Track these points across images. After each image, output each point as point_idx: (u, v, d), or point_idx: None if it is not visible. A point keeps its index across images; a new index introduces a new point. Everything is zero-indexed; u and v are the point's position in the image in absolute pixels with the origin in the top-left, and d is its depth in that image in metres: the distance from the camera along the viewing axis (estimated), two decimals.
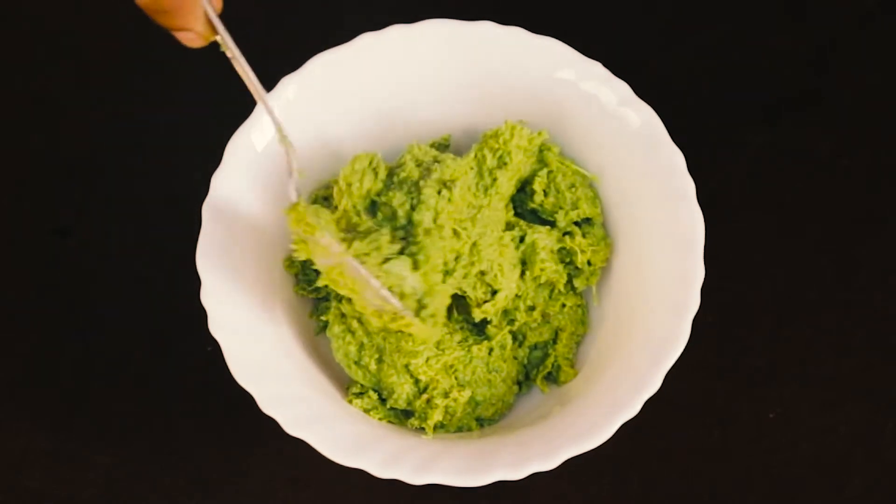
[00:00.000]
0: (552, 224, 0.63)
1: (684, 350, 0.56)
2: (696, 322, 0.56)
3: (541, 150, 0.63)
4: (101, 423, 0.67)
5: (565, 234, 0.63)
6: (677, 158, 0.59)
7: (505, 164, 0.61)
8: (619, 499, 0.65)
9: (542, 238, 0.62)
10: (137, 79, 0.74)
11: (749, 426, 0.66)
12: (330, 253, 0.56)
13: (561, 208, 0.63)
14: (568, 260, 0.63)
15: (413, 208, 0.57)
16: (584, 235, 0.63)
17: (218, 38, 0.51)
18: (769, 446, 0.66)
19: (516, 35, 0.62)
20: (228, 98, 0.62)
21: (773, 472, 0.65)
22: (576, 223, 0.63)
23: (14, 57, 0.74)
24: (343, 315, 0.60)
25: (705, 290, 0.57)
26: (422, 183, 0.58)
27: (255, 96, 0.54)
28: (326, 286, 0.63)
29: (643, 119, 0.60)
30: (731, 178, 0.71)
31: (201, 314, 0.57)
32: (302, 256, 0.57)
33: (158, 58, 0.73)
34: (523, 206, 0.64)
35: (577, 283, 0.63)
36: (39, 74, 0.74)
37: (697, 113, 0.72)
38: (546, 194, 0.63)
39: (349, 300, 0.60)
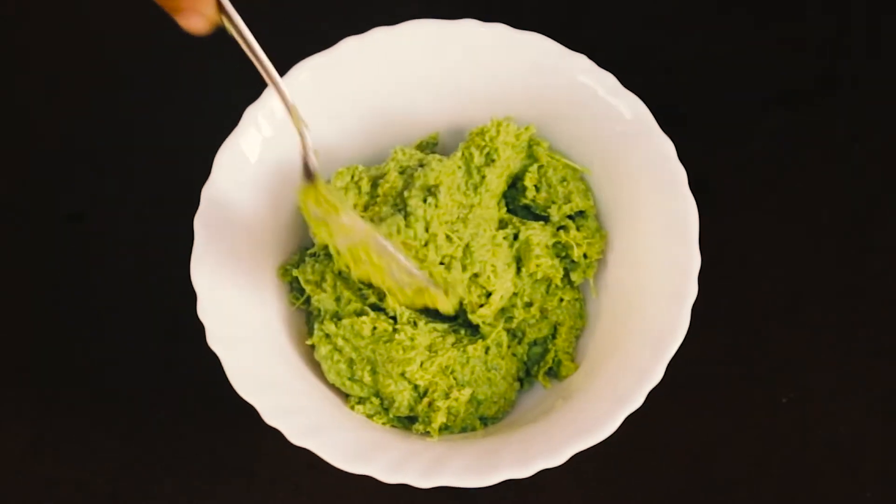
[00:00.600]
0: (546, 219, 0.63)
1: (685, 343, 0.55)
2: (698, 316, 0.56)
3: (530, 146, 0.63)
4: (101, 422, 0.66)
5: (559, 228, 0.63)
6: (667, 146, 0.59)
7: (493, 161, 0.61)
8: (620, 498, 0.65)
9: (536, 234, 0.62)
10: (137, 79, 0.74)
11: (750, 424, 0.66)
12: (354, 231, 0.55)
13: (554, 203, 0.63)
14: (564, 254, 0.63)
15: (406, 222, 0.58)
16: (578, 229, 0.63)
17: (225, 21, 0.50)
18: (771, 443, 0.66)
19: (499, 32, 0.61)
20: (229, 98, 0.62)
21: (775, 469, 0.65)
22: (569, 217, 0.63)
23: (14, 57, 0.74)
24: (328, 336, 0.60)
25: (706, 287, 0.57)
26: (406, 194, 0.58)
27: (267, 80, 0.53)
28: (316, 299, 0.63)
29: (631, 109, 0.60)
30: (731, 176, 0.71)
31: None
32: (323, 239, 0.57)
33: (158, 58, 0.73)
34: (515, 202, 0.64)
35: (573, 276, 0.63)
36: (39, 74, 0.74)
37: (697, 113, 0.72)
38: (538, 189, 0.63)
39: (332, 319, 0.60)
